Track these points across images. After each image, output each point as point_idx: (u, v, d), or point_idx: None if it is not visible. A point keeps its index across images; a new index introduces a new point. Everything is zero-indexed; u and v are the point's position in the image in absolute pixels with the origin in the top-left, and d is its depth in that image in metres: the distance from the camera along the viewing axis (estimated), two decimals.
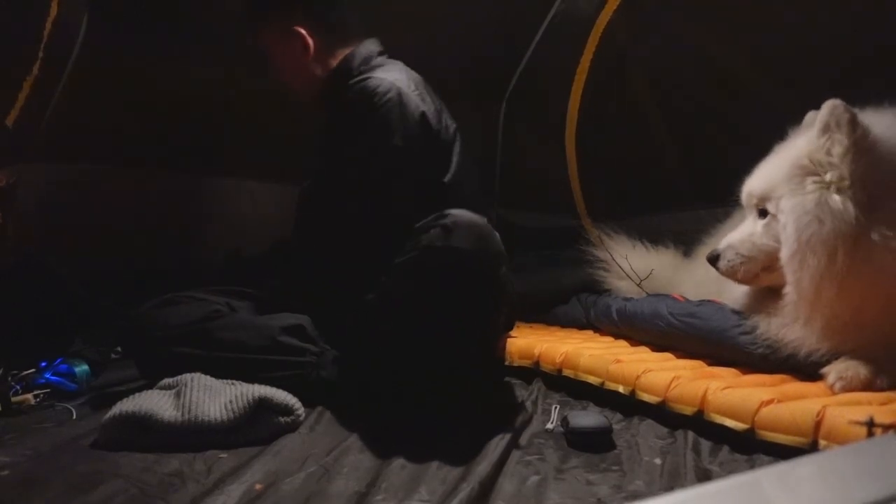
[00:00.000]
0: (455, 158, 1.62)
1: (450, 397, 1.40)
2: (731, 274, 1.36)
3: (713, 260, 1.38)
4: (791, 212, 1.22)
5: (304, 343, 1.45)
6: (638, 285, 1.97)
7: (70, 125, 1.95)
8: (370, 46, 1.69)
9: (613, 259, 2.08)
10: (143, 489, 0.96)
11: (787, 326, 1.27)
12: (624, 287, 2.03)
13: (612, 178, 2.52)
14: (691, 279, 1.86)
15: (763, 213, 1.32)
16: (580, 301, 2.09)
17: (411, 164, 1.52)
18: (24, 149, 1.88)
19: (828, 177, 1.19)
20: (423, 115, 1.54)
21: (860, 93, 1.25)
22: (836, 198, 1.17)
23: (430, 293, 1.30)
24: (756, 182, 1.33)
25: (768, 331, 1.31)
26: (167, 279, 1.75)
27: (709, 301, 1.57)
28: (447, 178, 1.58)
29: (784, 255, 1.24)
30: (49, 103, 1.89)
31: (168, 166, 2.16)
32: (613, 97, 2.46)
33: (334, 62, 1.66)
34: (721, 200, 1.60)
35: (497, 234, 1.34)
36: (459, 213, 1.31)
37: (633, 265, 2.01)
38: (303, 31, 1.64)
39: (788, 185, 1.24)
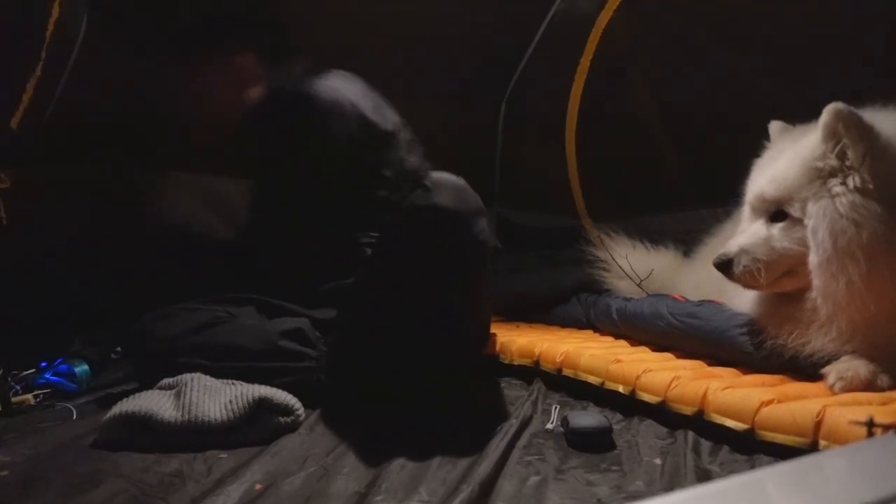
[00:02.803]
0: (399, 149, 1.70)
1: (450, 397, 1.40)
2: (748, 280, 1.29)
3: (724, 265, 1.31)
4: (822, 216, 1.19)
5: (303, 347, 1.45)
6: (638, 285, 1.97)
7: (70, 125, 1.95)
8: (304, 63, 1.74)
9: (613, 259, 2.08)
10: (143, 489, 0.96)
11: (801, 330, 1.25)
12: (624, 287, 2.03)
13: (612, 178, 2.52)
14: (691, 279, 1.86)
15: (778, 216, 1.28)
16: (580, 301, 2.09)
17: (348, 154, 1.61)
18: (25, 149, 1.88)
19: (850, 182, 1.17)
20: (355, 106, 1.62)
21: (861, 91, 1.25)
22: (869, 202, 1.15)
23: (416, 251, 1.32)
24: (768, 184, 1.29)
25: (778, 334, 1.29)
26: (168, 279, 1.75)
27: (709, 301, 1.57)
28: (391, 168, 1.66)
29: (815, 259, 1.20)
30: (49, 104, 1.88)
31: (169, 166, 2.16)
32: (613, 97, 2.46)
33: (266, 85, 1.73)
34: (721, 200, 1.60)
35: (474, 191, 1.38)
36: (438, 174, 1.34)
37: (633, 265, 2.01)
38: (242, 61, 1.70)
39: (811, 187, 1.21)
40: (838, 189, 1.18)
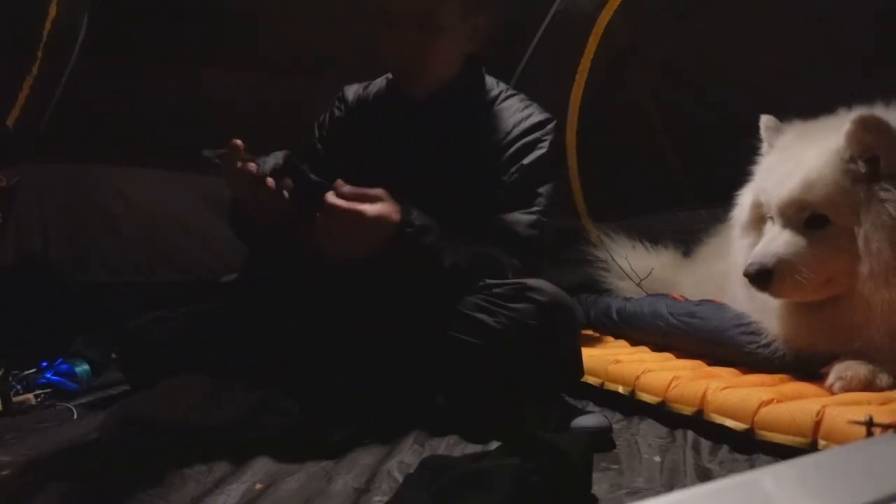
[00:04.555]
0: None
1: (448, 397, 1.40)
2: (791, 292, 1.20)
3: (762, 277, 1.19)
4: (878, 224, 1.13)
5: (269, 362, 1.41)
6: (638, 285, 1.98)
7: (70, 125, 1.95)
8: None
9: (613, 259, 2.08)
10: (144, 489, 0.96)
11: (819, 335, 1.23)
12: (624, 287, 2.04)
13: (612, 178, 2.52)
14: (691, 279, 1.87)
15: (815, 222, 1.20)
16: (580, 301, 2.09)
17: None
18: (24, 149, 1.88)
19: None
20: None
21: (864, 89, 1.24)
22: None
23: (507, 356, 1.26)
24: (804, 189, 1.19)
25: (787, 336, 1.27)
26: (169, 279, 1.75)
27: (709, 301, 1.57)
28: None
29: (867, 268, 1.14)
30: (49, 103, 1.89)
31: (169, 166, 2.16)
32: (613, 97, 2.46)
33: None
34: (721, 200, 1.59)
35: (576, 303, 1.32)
36: (550, 290, 1.27)
37: (633, 265, 2.01)
38: (482, 23, 1.47)
39: (854, 192, 1.15)
40: (885, 195, 1.13)
